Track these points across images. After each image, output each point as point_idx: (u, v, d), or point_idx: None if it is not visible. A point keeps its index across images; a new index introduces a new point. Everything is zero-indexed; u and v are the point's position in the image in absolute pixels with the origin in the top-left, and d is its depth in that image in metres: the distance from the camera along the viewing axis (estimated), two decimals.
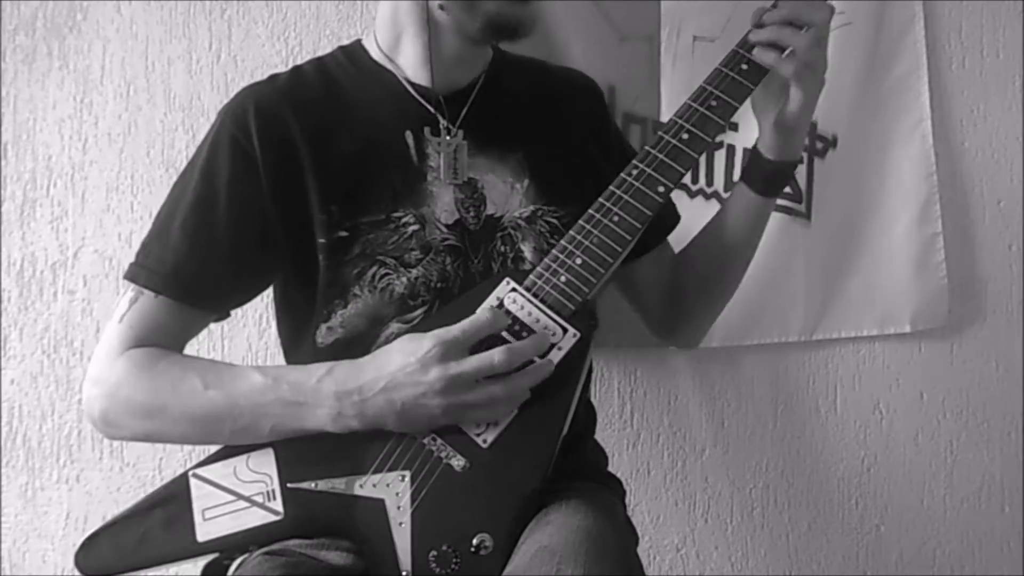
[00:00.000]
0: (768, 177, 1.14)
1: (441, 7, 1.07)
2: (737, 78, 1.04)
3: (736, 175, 1.54)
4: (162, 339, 1.05)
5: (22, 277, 1.47)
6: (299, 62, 1.18)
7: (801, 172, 1.56)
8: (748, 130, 1.55)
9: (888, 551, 1.65)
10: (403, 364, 0.94)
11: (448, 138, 1.11)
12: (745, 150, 1.55)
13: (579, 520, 0.95)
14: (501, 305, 1.00)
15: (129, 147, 1.49)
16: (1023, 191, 1.67)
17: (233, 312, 1.15)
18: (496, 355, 0.94)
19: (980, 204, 1.66)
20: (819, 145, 1.57)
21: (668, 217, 1.27)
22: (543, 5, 1.08)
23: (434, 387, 0.93)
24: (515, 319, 0.99)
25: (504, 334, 0.99)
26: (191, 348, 1.11)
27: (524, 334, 0.98)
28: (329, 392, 0.96)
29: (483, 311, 0.98)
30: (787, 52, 1.02)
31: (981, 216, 1.67)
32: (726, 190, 1.55)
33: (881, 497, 1.65)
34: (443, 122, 1.11)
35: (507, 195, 1.12)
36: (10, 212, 1.47)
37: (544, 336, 0.98)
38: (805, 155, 1.56)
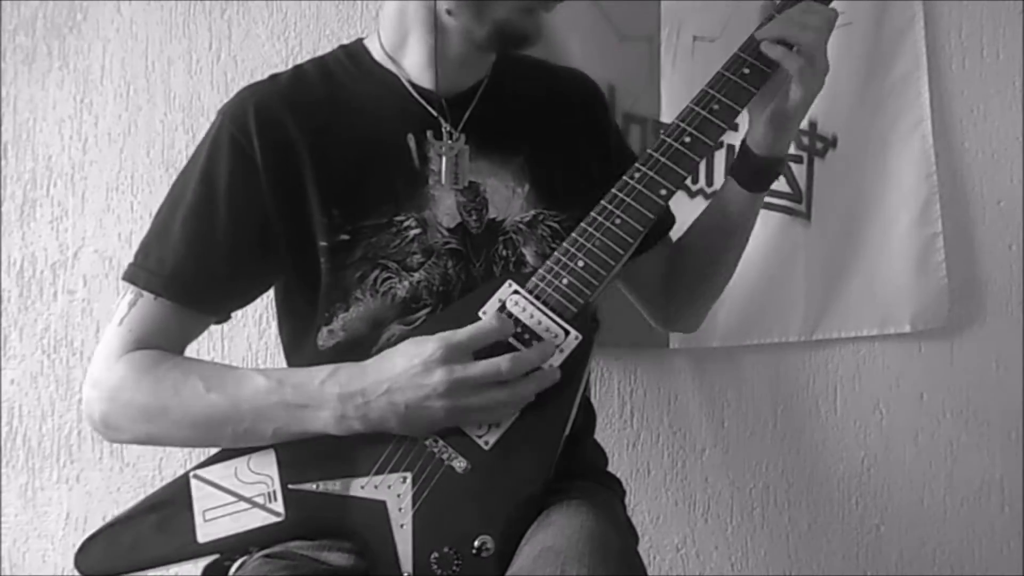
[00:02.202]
0: (756, 172, 1.14)
1: (449, 12, 1.06)
2: (739, 81, 1.04)
3: None
4: (162, 341, 1.05)
5: (22, 277, 1.47)
6: (299, 62, 1.17)
7: (801, 172, 1.56)
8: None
9: (888, 551, 1.65)
10: (407, 366, 0.94)
11: (450, 142, 1.11)
12: None
13: (581, 520, 0.95)
14: (503, 307, 0.99)
15: (129, 147, 1.49)
16: (1023, 191, 1.67)
17: (232, 314, 1.14)
18: (503, 363, 0.93)
19: (980, 204, 1.67)
20: (819, 145, 1.57)
21: (667, 216, 1.28)
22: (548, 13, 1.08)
23: (437, 390, 0.93)
24: (517, 321, 0.99)
25: (514, 343, 0.98)
26: (191, 349, 1.10)
27: (526, 336, 0.98)
28: (332, 394, 0.96)
29: (490, 317, 0.97)
30: (794, 49, 1.02)
31: (981, 216, 1.67)
32: None
33: (881, 497, 1.65)
34: (445, 126, 1.11)
35: (509, 199, 1.12)
36: (10, 212, 1.47)
37: (550, 344, 0.97)
38: (805, 155, 1.56)
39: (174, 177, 1.11)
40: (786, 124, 1.09)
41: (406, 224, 1.07)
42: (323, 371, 0.98)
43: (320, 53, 1.19)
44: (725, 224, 1.20)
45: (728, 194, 1.17)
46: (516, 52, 1.12)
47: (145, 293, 1.04)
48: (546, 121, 1.18)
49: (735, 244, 1.22)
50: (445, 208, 1.09)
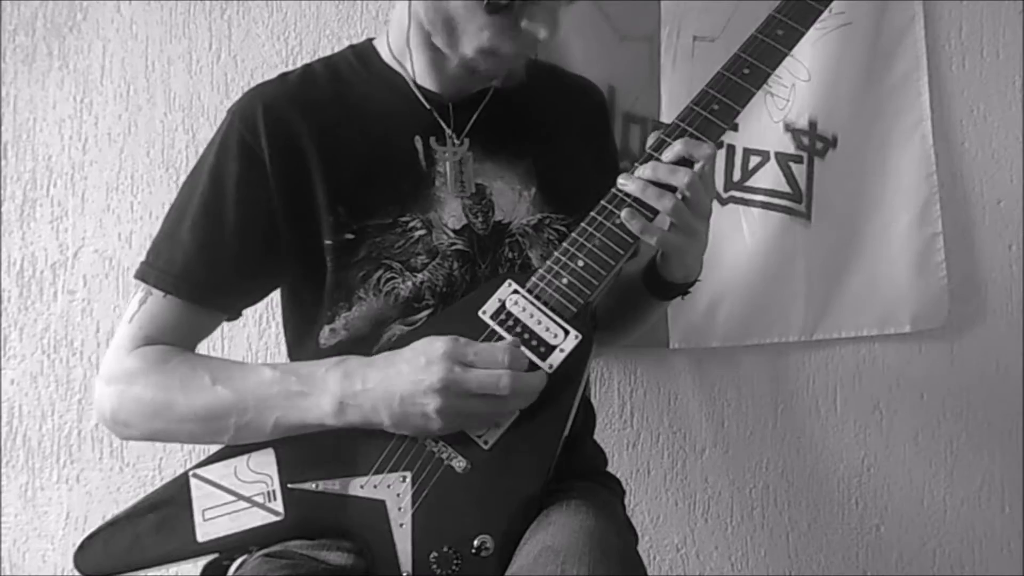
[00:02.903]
0: (664, 290, 1.14)
1: (430, 35, 1.07)
2: (739, 82, 1.04)
3: (736, 175, 1.55)
4: (172, 339, 1.06)
5: (22, 277, 1.47)
6: (299, 62, 1.18)
7: (801, 172, 1.56)
8: (748, 130, 1.55)
9: (888, 551, 1.65)
10: (411, 358, 0.95)
11: (454, 148, 1.11)
12: (745, 151, 1.55)
13: (581, 520, 0.95)
14: (503, 307, 1.00)
15: (129, 147, 1.49)
16: (1023, 191, 1.67)
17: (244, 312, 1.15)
18: (502, 379, 0.93)
19: (980, 204, 1.67)
20: (819, 145, 1.57)
21: None
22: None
23: (433, 386, 0.92)
24: (516, 321, 0.99)
25: (506, 334, 0.99)
26: None
27: (526, 336, 0.98)
28: (335, 379, 0.96)
29: (505, 346, 0.96)
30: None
31: (981, 216, 1.67)
32: (725, 190, 1.55)
33: (881, 497, 1.65)
34: (448, 132, 1.11)
35: (515, 202, 1.13)
36: (10, 212, 1.47)
37: (544, 377, 0.97)
38: (805, 155, 1.56)
39: (174, 177, 1.12)
40: (681, 257, 1.08)
41: (411, 225, 1.08)
42: (330, 360, 0.99)
43: (320, 53, 1.20)
44: (629, 307, 1.22)
45: (635, 290, 1.17)
46: (488, 85, 1.12)
47: (155, 291, 1.05)
48: (553, 125, 1.19)
49: (636, 323, 1.27)
50: (451, 210, 1.10)
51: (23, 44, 1.48)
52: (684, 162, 1.00)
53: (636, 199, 1.00)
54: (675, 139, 1.02)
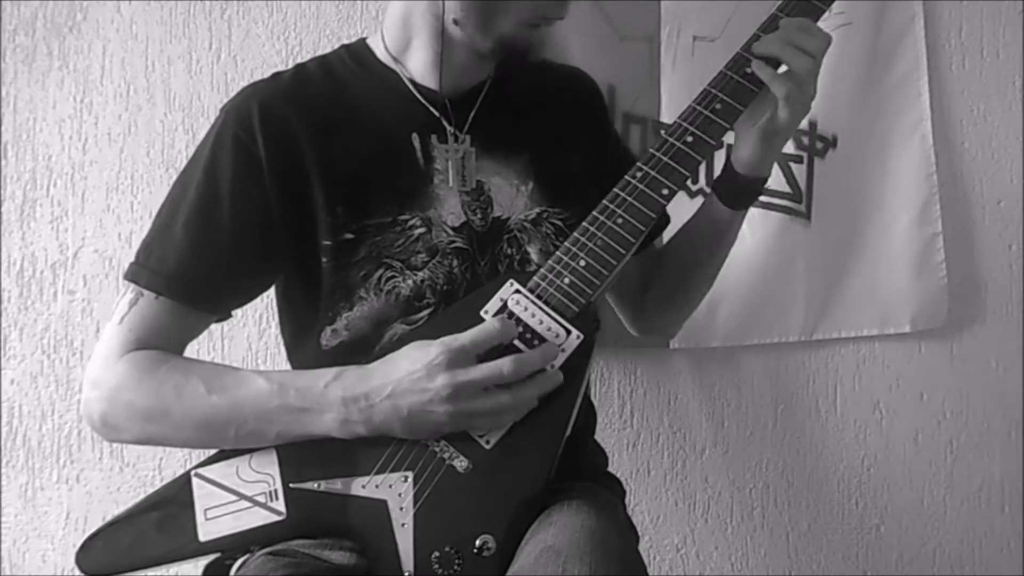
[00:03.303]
0: (739, 191, 1.14)
1: (456, 22, 1.06)
2: (741, 81, 1.04)
3: None
4: (163, 341, 1.04)
5: (22, 277, 1.47)
6: (299, 62, 1.17)
7: (801, 172, 1.57)
8: None
9: (888, 551, 1.65)
10: (410, 370, 0.94)
11: (456, 144, 1.11)
12: None
13: (582, 520, 0.95)
14: (505, 306, 0.99)
15: (129, 147, 1.49)
16: (1023, 191, 1.67)
17: (233, 312, 1.14)
18: (505, 365, 0.93)
19: (980, 204, 1.67)
20: (819, 145, 1.57)
21: (662, 219, 1.28)
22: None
23: (440, 394, 0.93)
24: (519, 321, 0.99)
25: (520, 344, 0.98)
26: (191, 348, 1.10)
27: (528, 336, 0.98)
28: (336, 398, 0.96)
29: (493, 320, 0.97)
30: (782, 69, 1.02)
31: (981, 216, 1.67)
32: None
33: (881, 497, 1.65)
34: (450, 129, 1.11)
35: (513, 197, 1.12)
36: (10, 212, 1.47)
37: (552, 346, 0.97)
38: (805, 155, 1.56)
39: (174, 177, 1.11)
40: (770, 145, 1.09)
41: (411, 223, 1.07)
42: (327, 374, 0.98)
43: (320, 53, 1.19)
44: (706, 237, 1.20)
45: (710, 208, 1.18)
46: (519, 65, 1.12)
47: (146, 292, 1.04)
48: (549, 119, 1.18)
49: (715, 257, 1.23)
50: (450, 207, 1.09)
51: (23, 44, 1.47)
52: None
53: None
54: (678, 138, 1.03)
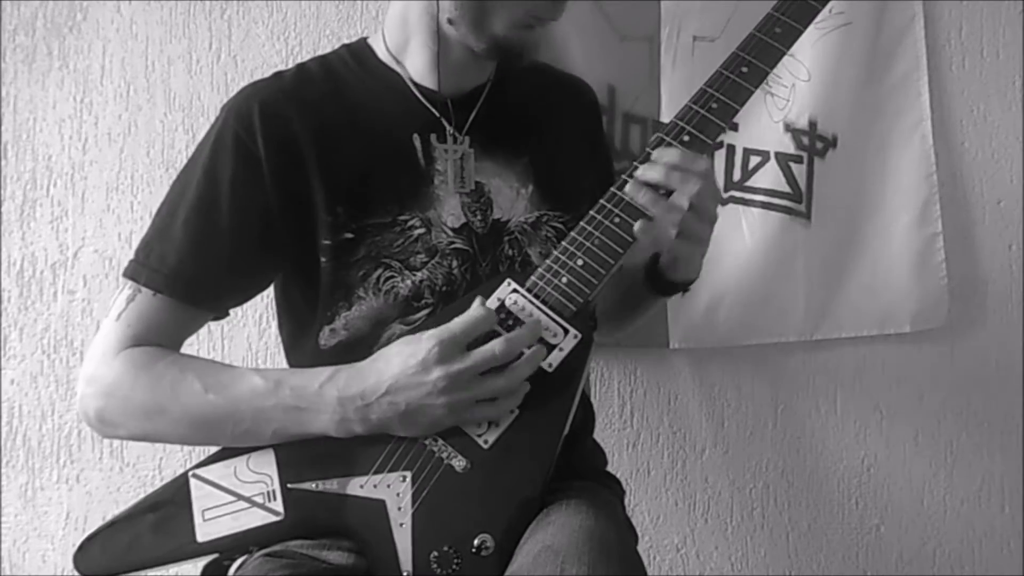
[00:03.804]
0: (665, 287, 1.16)
1: (450, 22, 1.06)
2: (738, 80, 1.04)
3: (736, 175, 1.55)
4: (160, 338, 1.04)
5: (22, 277, 1.47)
6: (299, 62, 1.17)
7: (801, 172, 1.56)
8: (748, 130, 1.55)
9: (888, 551, 1.65)
10: (404, 366, 0.94)
11: (455, 145, 1.11)
12: (745, 150, 1.55)
13: (581, 520, 0.95)
14: (503, 305, 1.00)
15: (129, 147, 1.49)
16: (1023, 191, 1.67)
17: (233, 312, 1.14)
18: (497, 346, 0.94)
19: (980, 204, 1.67)
20: (819, 145, 1.57)
21: None
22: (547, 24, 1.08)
23: (437, 386, 0.93)
24: (516, 320, 0.99)
25: (501, 331, 0.99)
26: (191, 348, 1.10)
27: None
28: (332, 398, 0.96)
29: (475, 307, 0.98)
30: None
31: (981, 216, 1.67)
32: (725, 190, 1.55)
33: (881, 497, 1.65)
34: (449, 129, 1.11)
35: (513, 200, 1.13)
36: (10, 212, 1.47)
37: (536, 324, 0.98)
38: (805, 155, 1.56)
39: (174, 177, 1.11)
40: (689, 263, 1.10)
41: (410, 223, 1.07)
42: (322, 374, 0.98)
43: (320, 53, 1.19)
44: (627, 300, 1.26)
45: (636, 283, 1.19)
46: (514, 64, 1.12)
47: (144, 289, 1.04)
48: (548, 123, 1.19)
49: (637, 311, 1.30)
50: (450, 208, 1.09)
51: (23, 44, 1.48)
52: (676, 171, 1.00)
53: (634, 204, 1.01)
54: (675, 138, 1.02)
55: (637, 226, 1.00)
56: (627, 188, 1.01)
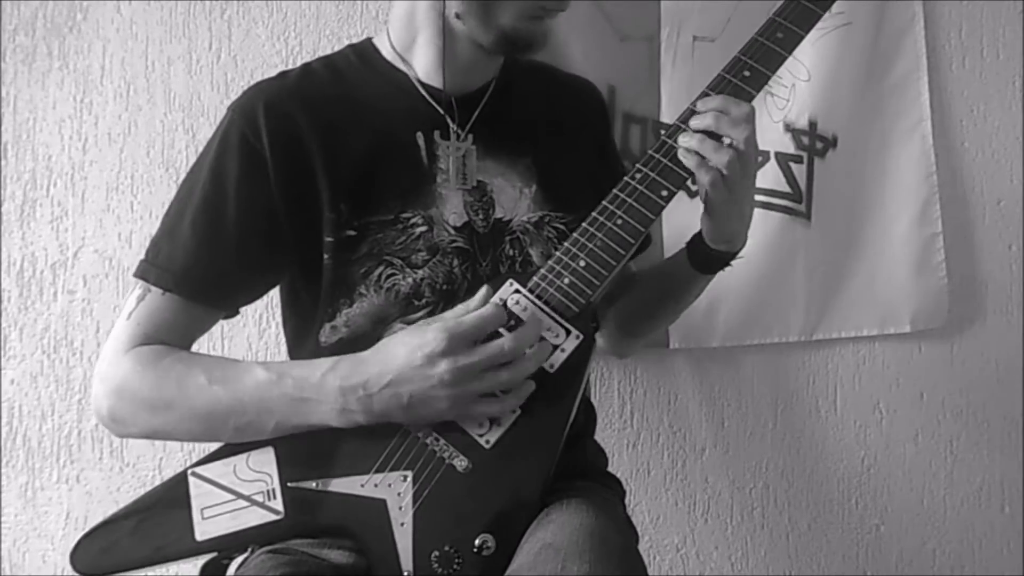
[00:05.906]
0: (708, 259, 1.16)
1: (458, 16, 1.07)
2: (739, 83, 1.04)
3: None
4: (170, 336, 1.05)
5: (22, 277, 1.47)
6: (299, 62, 1.18)
7: (801, 172, 1.57)
8: None
9: (888, 551, 1.65)
10: (409, 358, 0.94)
11: (457, 142, 1.11)
12: None
13: (582, 518, 0.95)
14: (504, 306, 0.99)
15: (129, 147, 1.49)
16: (1023, 191, 1.67)
17: (241, 310, 1.15)
18: (507, 342, 0.94)
19: (980, 204, 1.67)
20: (819, 145, 1.57)
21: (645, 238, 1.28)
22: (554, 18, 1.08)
23: (443, 380, 0.93)
24: (518, 320, 0.99)
25: (503, 332, 0.98)
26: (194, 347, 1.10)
27: None
28: (334, 387, 0.96)
29: (488, 306, 0.98)
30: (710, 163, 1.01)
31: (981, 216, 1.67)
32: None
33: (881, 497, 1.65)
34: (452, 126, 1.11)
35: (516, 199, 1.13)
36: (10, 212, 1.47)
37: (538, 321, 0.98)
38: (805, 155, 1.56)
39: (174, 177, 1.11)
40: (727, 218, 1.09)
41: (413, 221, 1.08)
42: (324, 363, 0.98)
43: (320, 53, 1.20)
44: (673, 283, 1.24)
45: (679, 264, 1.19)
46: (522, 57, 1.12)
47: (154, 288, 1.05)
48: (554, 124, 1.19)
49: (678, 305, 1.29)
50: (452, 207, 1.10)
51: (23, 44, 1.47)
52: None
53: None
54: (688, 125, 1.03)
55: (682, 139, 1.00)
56: (680, 139, 1.01)
